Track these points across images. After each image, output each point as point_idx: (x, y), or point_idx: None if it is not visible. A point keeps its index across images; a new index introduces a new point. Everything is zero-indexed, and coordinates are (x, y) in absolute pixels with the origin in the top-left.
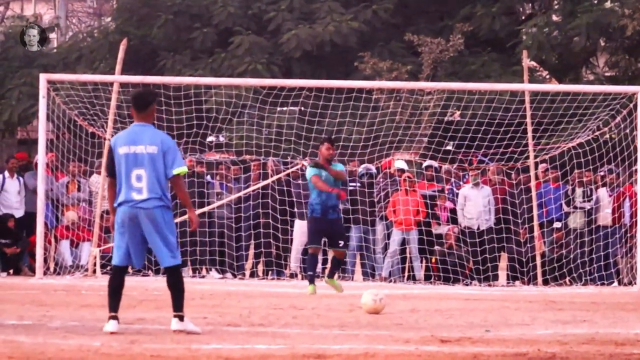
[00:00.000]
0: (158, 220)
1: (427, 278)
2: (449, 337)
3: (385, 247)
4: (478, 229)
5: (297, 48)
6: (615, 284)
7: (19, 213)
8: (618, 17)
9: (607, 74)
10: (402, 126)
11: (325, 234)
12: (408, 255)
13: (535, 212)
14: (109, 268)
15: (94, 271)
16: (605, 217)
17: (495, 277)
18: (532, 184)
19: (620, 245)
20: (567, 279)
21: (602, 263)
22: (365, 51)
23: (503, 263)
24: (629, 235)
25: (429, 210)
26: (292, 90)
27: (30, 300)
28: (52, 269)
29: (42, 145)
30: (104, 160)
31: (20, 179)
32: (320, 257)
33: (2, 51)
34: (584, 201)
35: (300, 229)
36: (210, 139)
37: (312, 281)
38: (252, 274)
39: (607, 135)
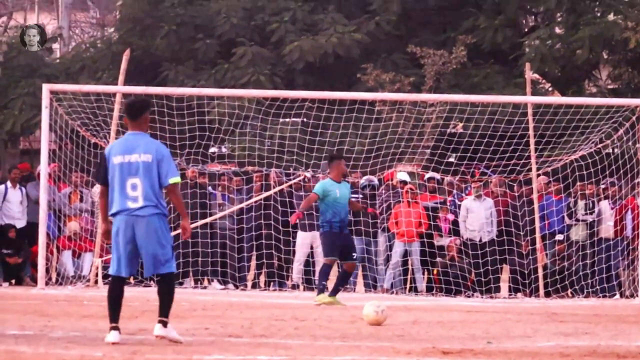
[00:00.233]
0: (155, 228)
1: (429, 290)
2: (451, 348)
3: (387, 259)
4: (480, 240)
5: (299, 59)
6: (617, 296)
7: (21, 223)
8: (621, 30)
9: (609, 87)
10: (404, 138)
11: (340, 248)
12: (410, 266)
13: (537, 225)
14: (110, 279)
15: (96, 282)
16: (607, 229)
17: (497, 289)
18: (535, 196)
19: (622, 258)
20: (569, 291)
21: (604, 275)
22: (368, 63)
23: (505, 275)
24: (631, 247)
25: (431, 222)
26: (295, 102)
27: (32, 311)
28: (54, 279)
29: (45, 156)
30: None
31: (23, 189)
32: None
33: (5, 61)
34: (586, 214)
35: (302, 241)
36: (212, 150)
37: (322, 291)
38: (254, 285)
39: (610, 148)
